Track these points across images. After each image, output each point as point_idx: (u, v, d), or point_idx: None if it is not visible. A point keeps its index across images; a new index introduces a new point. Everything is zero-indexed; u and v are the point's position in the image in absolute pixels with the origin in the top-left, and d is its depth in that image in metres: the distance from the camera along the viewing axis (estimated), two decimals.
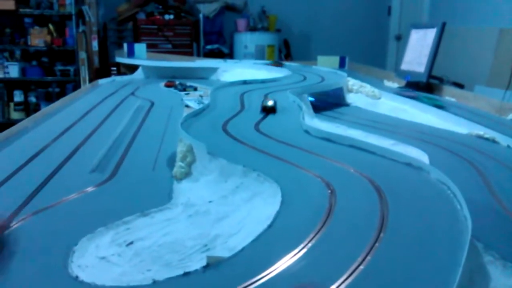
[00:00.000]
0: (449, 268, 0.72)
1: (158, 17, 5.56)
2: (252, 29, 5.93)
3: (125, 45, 4.14)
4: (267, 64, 3.59)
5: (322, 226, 0.85)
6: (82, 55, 5.14)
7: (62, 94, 5.29)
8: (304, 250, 0.78)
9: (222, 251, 0.82)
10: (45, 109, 2.18)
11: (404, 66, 3.26)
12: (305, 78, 2.78)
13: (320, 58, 4.05)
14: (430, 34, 2.99)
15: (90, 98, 2.57)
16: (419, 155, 1.48)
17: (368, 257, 0.75)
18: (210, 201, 1.09)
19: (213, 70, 3.58)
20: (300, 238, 0.81)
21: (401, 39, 6.51)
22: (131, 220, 0.96)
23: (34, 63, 5.33)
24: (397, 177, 1.11)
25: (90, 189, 1.15)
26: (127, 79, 3.38)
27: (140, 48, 4.09)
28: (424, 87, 2.98)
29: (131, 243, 0.87)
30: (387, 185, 1.04)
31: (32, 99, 5.40)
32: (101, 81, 3.23)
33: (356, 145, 1.30)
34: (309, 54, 6.32)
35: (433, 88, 3.05)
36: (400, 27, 6.65)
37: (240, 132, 1.45)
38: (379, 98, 2.62)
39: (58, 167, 1.32)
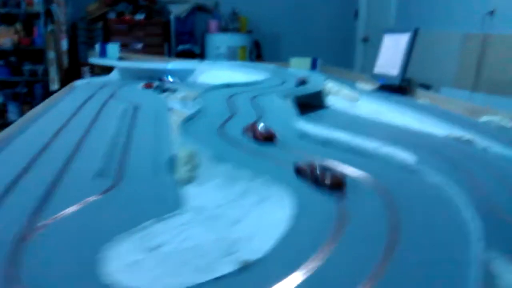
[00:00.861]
0: (465, 268, 0.78)
1: (128, 17, 5.50)
2: (223, 30, 5.95)
3: (96, 46, 4.08)
4: None
5: (337, 230, 0.90)
6: (51, 54, 5.02)
7: (30, 94, 5.15)
8: (324, 253, 0.82)
9: (247, 254, 0.86)
10: (28, 114, 2.14)
11: (377, 70, 3.37)
12: (284, 81, 2.83)
13: (293, 60, 4.11)
14: (403, 39, 3.11)
15: (70, 102, 2.53)
16: (407, 158, 1.55)
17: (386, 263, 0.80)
18: (219, 205, 1.12)
19: (190, 71, 3.60)
20: (319, 241, 0.86)
21: (368, 41, 6.69)
22: (149, 226, 0.98)
23: (1, 62, 5.17)
24: (400, 181, 1.16)
25: (96, 197, 1.15)
26: (103, 81, 3.34)
27: (113, 48, 4.03)
28: (397, 89, 3.09)
29: (155, 248, 0.90)
30: (391, 188, 1.09)
31: None
32: (78, 83, 3.19)
33: (355, 148, 1.35)
34: (279, 55, 6.41)
35: (406, 90, 3.16)
36: (367, 30, 6.82)
37: (238, 137, 1.48)
38: (357, 101, 2.71)
39: (58, 175, 1.31)
